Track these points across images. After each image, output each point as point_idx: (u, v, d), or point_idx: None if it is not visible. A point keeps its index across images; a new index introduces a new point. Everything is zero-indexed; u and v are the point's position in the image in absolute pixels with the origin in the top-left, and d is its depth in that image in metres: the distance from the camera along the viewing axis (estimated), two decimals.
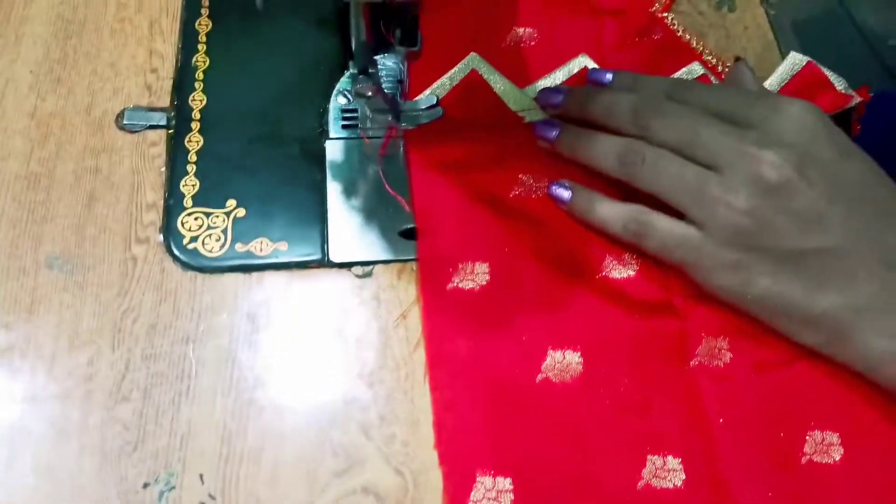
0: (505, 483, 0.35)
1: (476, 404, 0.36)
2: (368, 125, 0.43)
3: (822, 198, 0.35)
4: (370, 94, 0.40)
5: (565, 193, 0.41)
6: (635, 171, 0.38)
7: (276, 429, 0.36)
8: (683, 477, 0.35)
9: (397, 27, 0.38)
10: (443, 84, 0.45)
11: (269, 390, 0.37)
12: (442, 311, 0.38)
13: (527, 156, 0.43)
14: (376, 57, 0.42)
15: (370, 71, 0.39)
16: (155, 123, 0.43)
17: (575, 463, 0.35)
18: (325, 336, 0.38)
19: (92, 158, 0.42)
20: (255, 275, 0.40)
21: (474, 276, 0.39)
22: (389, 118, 0.43)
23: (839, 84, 0.46)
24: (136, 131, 0.43)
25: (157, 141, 0.43)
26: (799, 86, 0.46)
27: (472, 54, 0.46)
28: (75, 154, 0.42)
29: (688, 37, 0.48)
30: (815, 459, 0.36)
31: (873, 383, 0.36)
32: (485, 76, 0.45)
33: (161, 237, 0.40)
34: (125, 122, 0.43)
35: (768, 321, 0.38)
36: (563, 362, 0.38)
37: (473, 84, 0.45)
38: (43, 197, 0.41)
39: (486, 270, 0.40)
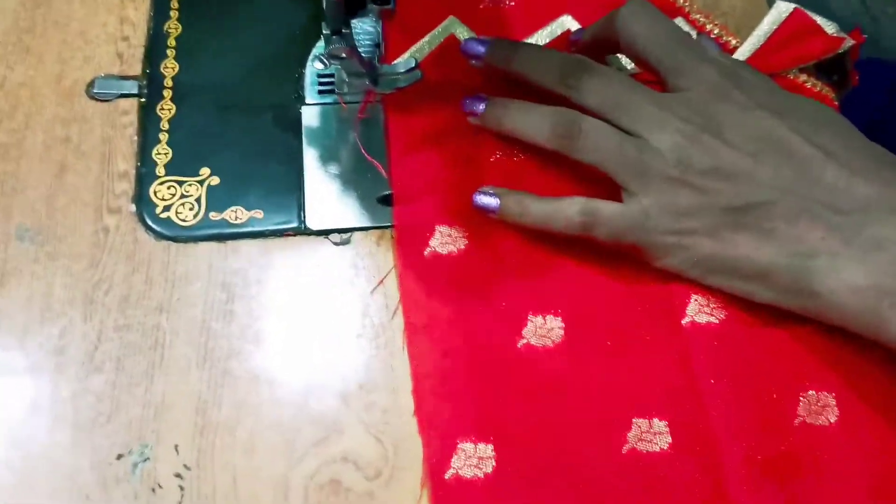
0: (487, 449, 0.34)
1: (456, 371, 0.36)
2: (346, 90, 0.42)
3: (745, 155, 0.35)
4: (344, 55, 0.39)
5: (492, 202, 0.38)
6: (572, 144, 0.37)
7: (252, 399, 0.35)
8: (670, 440, 0.35)
9: None
10: (421, 48, 0.44)
11: (245, 360, 0.36)
12: (419, 277, 0.38)
13: None
14: (352, 20, 0.41)
15: (344, 31, 0.38)
16: (126, 92, 0.42)
17: (558, 428, 0.35)
18: (302, 304, 0.38)
19: (62, 128, 0.41)
20: (230, 244, 0.39)
21: (453, 241, 0.39)
22: (367, 82, 0.42)
23: (829, 27, 0.45)
24: (108, 100, 0.42)
25: (128, 110, 0.42)
26: (787, 34, 0.45)
27: (451, 17, 0.45)
28: (45, 124, 0.41)
29: None
30: (808, 421, 0.35)
31: (869, 342, 0.35)
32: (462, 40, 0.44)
33: (133, 207, 0.39)
34: (96, 90, 0.42)
35: (726, 287, 0.37)
36: (544, 327, 0.37)
37: (452, 48, 0.44)
38: (13, 168, 0.40)
39: (464, 234, 0.39)
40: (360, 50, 0.40)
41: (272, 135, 0.42)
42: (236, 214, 0.39)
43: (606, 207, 0.37)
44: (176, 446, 0.34)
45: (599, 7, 0.46)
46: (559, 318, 0.37)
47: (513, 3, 0.46)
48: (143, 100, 0.42)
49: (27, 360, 0.36)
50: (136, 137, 0.41)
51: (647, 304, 0.38)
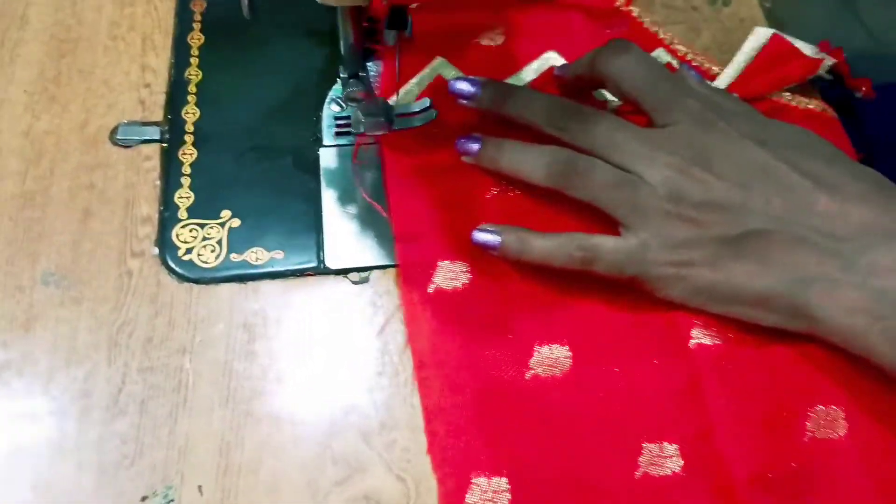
0: (501, 483, 0.34)
1: (466, 406, 0.36)
2: (362, 130, 0.43)
3: (736, 187, 0.36)
4: (361, 97, 0.40)
5: (493, 239, 0.38)
6: (568, 183, 0.38)
7: (275, 439, 0.36)
8: (682, 462, 0.35)
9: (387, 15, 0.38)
10: (410, 90, 0.45)
11: (267, 401, 0.36)
12: (425, 314, 0.38)
13: None
14: (368, 63, 0.42)
15: (360, 75, 0.39)
16: (149, 138, 0.43)
17: (570, 457, 0.35)
18: (323, 344, 0.38)
19: (86, 175, 0.42)
20: (250, 284, 0.39)
21: (456, 276, 0.39)
22: (383, 122, 0.43)
23: (807, 50, 0.45)
24: (130, 146, 0.43)
25: (151, 155, 0.43)
26: (767, 60, 0.46)
27: (438, 58, 0.46)
28: (70, 171, 0.42)
29: (654, 28, 0.48)
30: (818, 436, 0.35)
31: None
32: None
33: (156, 250, 0.40)
34: (119, 137, 0.43)
35: (728, 313, 0.37)
36: (551, 357, 0.37)
37: (441, 88, 0.45)
38: (38, 214, 0.41)
39: (467, 269, 0.39)
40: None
41: (291, 177, 0.42)
42: (257, 255, 0.40)
43: (605, 243, 0.37)
44: (200, 487, 0.34)
45: (583, 43, 0.46)
46: (566, 348, 0.37)
47: (500, 42, 0.47)
48: (165, 145, 0.43)
49: (52, 404, 0.36)
50: (158, 182, 0.42)
51: (653, 329, 0.38)
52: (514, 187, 0.42)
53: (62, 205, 0.41)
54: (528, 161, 0.39)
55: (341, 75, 0.40)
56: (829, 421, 0.36)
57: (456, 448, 0.35)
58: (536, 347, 0.37)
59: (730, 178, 0.36)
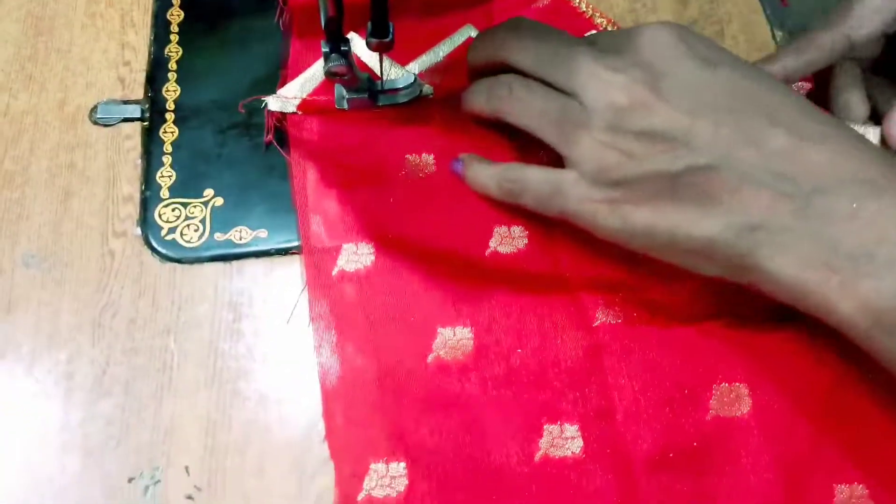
0: (399, 468, 0.34)
1: (367, 391, 0.35)
2: (345, 106, 0.42)
3: (682, 113, 0.32)
4: (344, 74, 0.39)
5: (459, 166, 0.40)
6: (502, 105, 0.37)
7: (262, 419, 0.35)
8: (581, 444, 0.35)
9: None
10: (318, 69, 0.44)
11: (253, 380, 0.36)
12: (328, 298, 0.37)
13: (413, 136, 0.42)
14: (349, 36, 0.41)
15: (342, 49, 0.38)
16: (129, 116, 0.42)
17: (470, 441, 0.35)
18: (309, 322, 0.38)
19: (66, 154, 0.41)
20: (235, 264, 0.39)
21: (358, 257, 0.38)
22: (366, 97, 0.42)
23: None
24: (111, 125, 0.42)
25: (131, 134, 0.42)
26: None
27: (350, 32, 0.45)
28: (49, 150, 0.41)
29: (577, 1, 0.47)
30: (721, 414, 0.35)
31: (782, 334, 0.36)
32: (363, 57, 0.44)
33: (139, 230, 0.39)
34: (99, 115, 0.42)
35: (667, 259, 0.34)
36: (453, 339, 0.37)
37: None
38: (18, 195, 0.40)
39: (371, 251, 0.38)
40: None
41: (273, 154, 0.42)
42: (241, 234, 0.39)
43: (532, 174, 0.36)
44: (186, 468, 0.34)
45: (501, 16, 0.46)
46: (469, 329, 0.37)
47: (416, 19, 0.46)
48: (145, 123, 0.42)
49: (36, 387, 0.36)
50: (139, 161, 0.41)
51: (557, 309, 0.38)
52: (424, 168, 0.41)
53: (42, 185, 0.40)
54: (475, 91, 0.39)
55: (322, 49, 0.39)
56: (733, 398, 0.36)
57: (354, 434, 0.34)
58: (439, 329, 0.37)
59: (676, 102, 0.32)
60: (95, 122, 0.42)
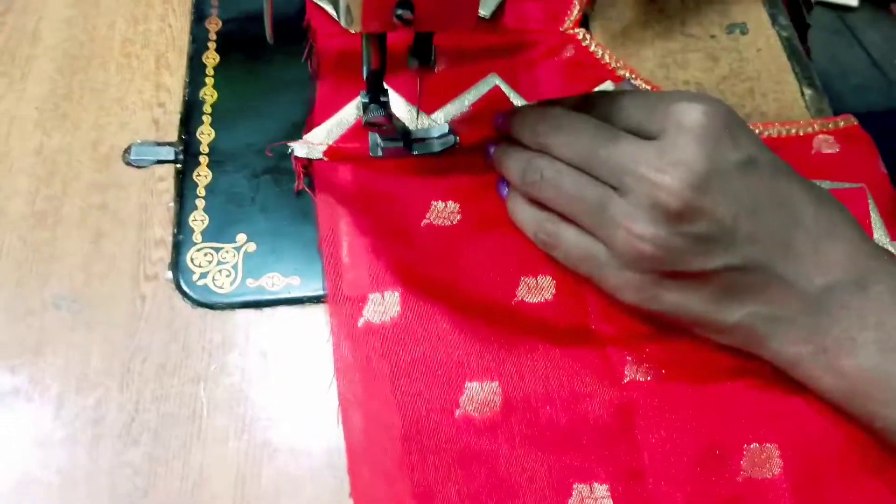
0: None
1: (393, 447, 0.35)
2: (380, 154, 0.43)
3: (726, 217, 0.33)
4: (382, 123, 0.39)
5: (504, 191, 0.41)
6: (536, 189, 0.38)
7: (292, 471, 0.35)
8: (611, 503, 0.34)
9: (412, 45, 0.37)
10: (345, 116, 0.44)
11: (284, 431, 0.36)
12: (354, 348, 0.37)
13: (438, 184, 0.42)
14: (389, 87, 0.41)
15: (382, 99, 0.39)
16: (163, 158, 0.43)
17: (496, 499, 0.34)
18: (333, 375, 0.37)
19: (99, 195, 0.41)
20: (266, 310, 0.39)
21: (385, 309, 0.38)
22: (401, 146, 0.42)
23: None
24: (144, 166, 0.42)
25: (164, 176, 0.42)
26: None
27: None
28: (82, 191, 0.41)
29: (601, 52, 0.47)
30: (752, 475, 0.35)
31: (809, 394, 0.36)
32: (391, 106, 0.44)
33: (170, 274, 0.39)
34: (132, 157, 0.42)
35: (684, 327, 0.37)
36: (481, 394, 0.36)
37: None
38: (49, 235, 0.40)
39: (398, 301, 0.38)
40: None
41: (306, 200, 0.42)
42: (273, 281, 0.39)
43: (568, 233, 0.37)
44: None
45: (524, 67, 0.47)
46: (496, 384, 0.36)
47: (442, 67, 0.46)
48: (179, 166, 0.42)
49: (63, 432, 0.35)
50: (172, 204, 0.41)
51: (586, 365, 0.37)
52: (448, 216, 0.41)
53: (74, 226, 0.40)
54: (510, 164, 0.39)
55: (362, 100, 0.39)
56: (764, 459, 0.35)
57: (380, 491, 0.34)
58: (466, 384, 0.36)
59: (721, 205, 0.33)
60: (129, 164, 0.42)
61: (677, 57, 0.49)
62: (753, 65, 0.49)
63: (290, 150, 0.43)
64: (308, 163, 0.42)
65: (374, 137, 0.43)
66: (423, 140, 0.43)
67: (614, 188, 0.35)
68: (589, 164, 0.36)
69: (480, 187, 0.42)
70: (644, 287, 0.35)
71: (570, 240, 0.37)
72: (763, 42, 0.50)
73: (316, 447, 0.35)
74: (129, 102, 0.45)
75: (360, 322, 0.38)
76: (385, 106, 0.39)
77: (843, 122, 0.45)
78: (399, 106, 0.44)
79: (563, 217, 0.37)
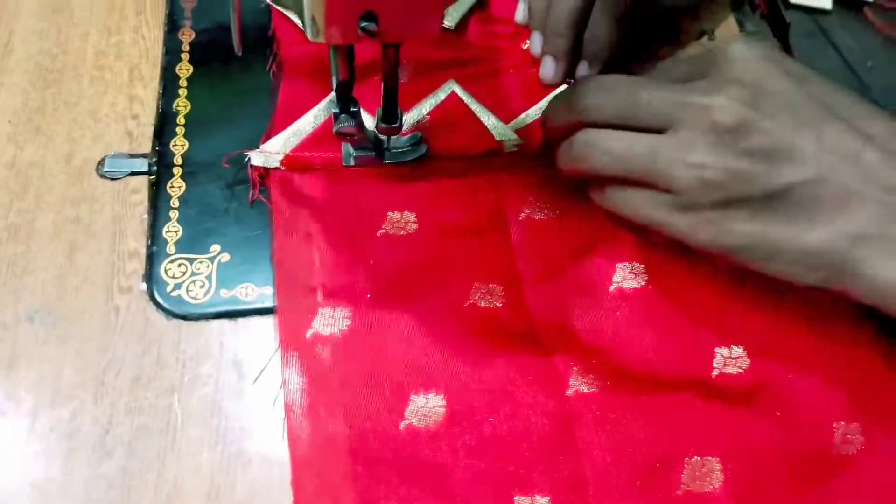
0: None
1: (338, 458, 0.35)
2: (352, 163, 0.43)
3: (785, 129, 0.33)
4: (353, 134, 0.40)
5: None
6: (586, 163, 0.37)
7: (266, 481, 0.35)
8: None
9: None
10: (303, 125, 0.44)
11: (257, 440, 0.36)
12: (300, 362, 0.37)
13: (395, 193, 0.42)
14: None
15: (352, 110, 0.39)
16: (136, 170, 0.43)
17: None
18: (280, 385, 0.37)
19: (73, 208, 0.41)
20: (240, 321, 0.39)
21: (335, 321, 0.38)
22: (373, 155, 0.43)
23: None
24: (117, 178, 0.42)
25: (138, 188, 0.42)
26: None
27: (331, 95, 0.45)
28: (55, 204, 0.42)
29: None
30: (692, 488, 0.35)
31: (754, 407, 0.36)
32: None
33: (144, 285, 0.39)
34: (106, 169, 0.43)
35: (763, 269, 0.35)
36: (426, 406, 0.36)
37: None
38: (23, 249, 0.40)
39: (348, 315, 0.38)
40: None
41: None
42: (247, 291, 0.39)
43: (634, 193, 0.36)
44: None
45: (485, 77, 0.47)
46: (441, 396, 0.36)
47: (404, 81, 0.46)
48: (153, 177, 0.42)
49: (37, 445, 0.35)
50: (146, 216, 0.41)
51: (531, 375, 0.37)
52: (403, 226, 0.41)
53: (47, 239, 0.40)
54: (559, 155, 0.39)
55: (333, 111, 0.39)
56: (705, 472, 0.35)
57: (323, 501, 0.34)
58: (412, 396, 0.36)
59: (777, 118, 0.33)
60: (102, 176, 0.43)
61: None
62: None
63: (246, 160, 0.43)
64: (265, 172, 0.43)
65: (347, 147, 0.43)
66: (394, 149, 0.43)
67: (661, 132, 0.35)
68: (632, 112, 0.36)
69: (438, 196, 0.42)
70: (715, 220, 0.34)
71: (637, 196, 0.36)
72: None
73: (288, 456, 0.36)
74: (102, 115, 0.45)
75: (309, 334, 0.38)
76: (356, 116, 0.39)
77: None
78: (368, 117, 0.45)
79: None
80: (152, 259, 0.40)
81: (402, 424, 0.36)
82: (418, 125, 0.45)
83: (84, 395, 0.36)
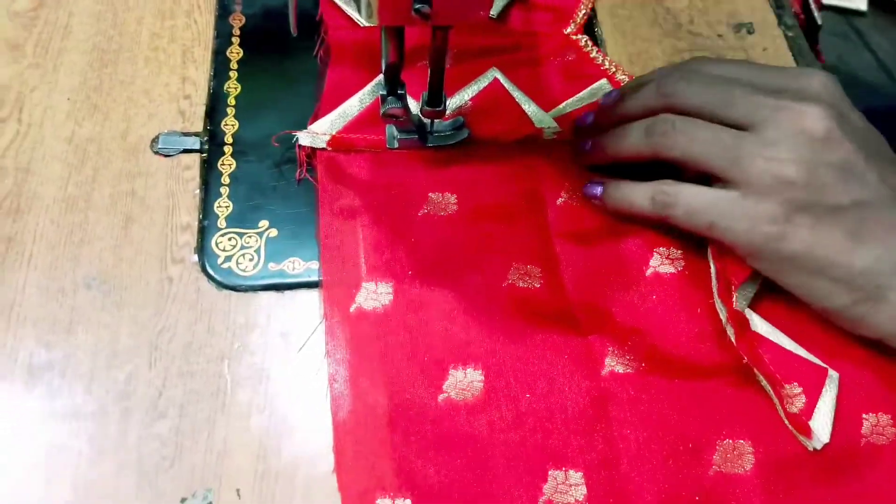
0: (404, 503, 0.35)
1: (378, 426, 0.36)
2: (396, 145, 0.44)
3: (860, 153, 0.35)
4: (400, 116, 0.41)
5: (597, 189, 0.42)
6: (665, 140, 0.38)
7: (310, 447, 0.36)
8: (585, 492, 0.35)
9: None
10: (349, 108, 0.45)
11: (302, 407, 0.37)
12: (344, 334, 0.38)
13: (434, 174, 0.43)
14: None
15: (399, 92, 0.40)
16: (189, 147, 0.44)
17: (474, 481, 0.35)
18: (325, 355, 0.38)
19: (128, 182, 0.43)
20: (287, 293, 0.40)
21: (377, 296, 0.39)
22: (416, 138, 0.44)
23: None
24: (171, 155, 0.44)
25: (190, 165, 0.44)
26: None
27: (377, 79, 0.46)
28: (112, 178, 0.43)
29: (601, 58, 0.49)
30: (723, 470, 0.36)
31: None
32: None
33: (196, 257, 0.41)
34: (160, 146, 0.44)
35: (799, 286, 0.37)
36: (464, 381, 0.37)
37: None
38: (81, 219, 0.42)
39: (390, 290, 0.40)
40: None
41: None
42: (294, 265, 0.41)
43: (687, 187, 0.38)
44: (238, 491, 0.35)
45: (526, 65, 0.48)
46: (479, 371, 0.38)
47: (447, 66, 0.46)
48: (204, 155, 0.44)
49: (94, 405, 0.37)
50: (197, 191, 0.43)
51: (567, 355, 0.38)
52: (446, 207, 0.42)
53: (104, 211, 0.42)
54: (629, 133, 0.40)
55: (381, 93, 0.41)
56: (736, 455, 0.36)
57: (363, 469, 0.35)
58: (451, 370, 0.38)
59: (856, 142, 0.36)
60: (156, 153, 0.44)
61: (685, 55, 0.50)
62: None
63: (294, 140, 0.44)
64: (312, 152, 0.44)
65: (391, 129, 0.44)
66: (438, 133, 0.45)
67: (746, 129, 0.37)
68: (723, 106, 0.37)
69: (477, 180, 0.44)
70: (777, 220, 0.36)
71: (691, 191, 0.38)
72: (769, 42, 0.51)
73: (331, 424, 0.37)
74: (156, 94, 0.47)
75: (352, 308, 0.39)
76: (402, 98, 0.41)
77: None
78: (412, 102, 0.46)
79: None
80: (203, 232, 0.41)
81: (441, 397, 0.37)
82: (460, 110, 0.46)
83: (138, 360, 0.38)
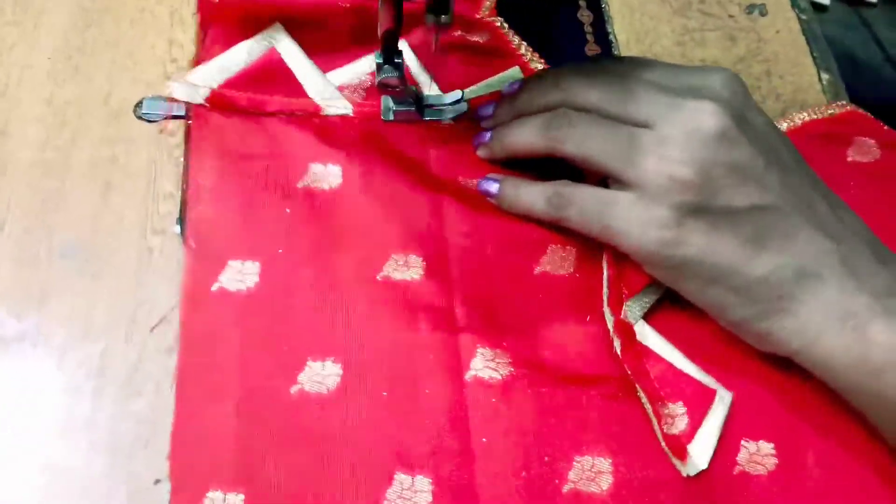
0: (236, 499, 0.32)
1: (225, 416, 0.34)
2: (391, 117, 0.42)
3: (759, 155, 0.34)
4: (395, 85, 0.39)
5: (493, 186, 0.40)
6: (560, 136, 0.36)
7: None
8: (430, 499, 0.33)
9: None
10: (234, 58, 0.42)
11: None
12: (202, 316, 0.36)
13: (319, 144, 0.41)
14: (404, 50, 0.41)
15: (395, 61, 0.38)
16: (174, 113, 0.42)
17: (316, 479, 0.33)
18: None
19: (108, 147, 0.41)
20: None
21: (242, 276, 0.37)
22: (413, 110, 0.42)
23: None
24: (154, 121, 0.42)
25: (174, 132, 0.42)
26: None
27: (276, 24, 0.43)
28: (92, 142, 0.41)
29: (516, 41, 0.46)
30: (579, 488, 0.34)
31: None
32: (285, 57, 0.42)
33: (178, 228, 0.39)
34: (143, 111, 0.42)
35: (698, 295, 0.35)
36: (321, 373, 0.35)
37: (272, 64, 0.42)
38: (57, 185, 0.40)
39: (257, 271, 0.37)
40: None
41: None
42: None
43: (583, 188, 0.37)
44: None
45: (437, 45, 0.44)
46: (338, 365, 0.35)
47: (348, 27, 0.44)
48: (190, 122, 0.42)
49: (66, 380, 0.35)
50: (181, 159, 0.41)
51: (433, 355, 0.36)
52: (326, 181, 0.40)
53: (82, 176, 0.40)
54: (525, 130, 0.38)
55: (377, 61, 0.39)
56: (595, 473, 0.34)
57: (200, 458, 0.33)
58: (309, 361, 0.35)
59: (755, 143, 0.34)
60: (140, 118, 0.42)
61: (695, 35, 0.48)
62: (771, 46, 0.49)
63: (168, 91, 0.41)
64: (188, 107, 0.41)
65: (387, 101, 0.43)
66: (435, 106, 0.43)
67: (643, 127, 0.34)
68: (621, 102, 0.35)
69: (368, 156, 0.41)
70: (670, 225, 0.33)
71: (586, 192, 0.36)
72: (782, 24, 0.49)
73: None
74: (141, 57, 0.44)
75: (215, 286, 0.37)
76: (398, 68, 0.39)
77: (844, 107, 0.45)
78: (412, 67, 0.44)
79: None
80: (187, 202, 0.40)
81: (294, 389, 0.35)
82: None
83: (115, 333, 0.36)
